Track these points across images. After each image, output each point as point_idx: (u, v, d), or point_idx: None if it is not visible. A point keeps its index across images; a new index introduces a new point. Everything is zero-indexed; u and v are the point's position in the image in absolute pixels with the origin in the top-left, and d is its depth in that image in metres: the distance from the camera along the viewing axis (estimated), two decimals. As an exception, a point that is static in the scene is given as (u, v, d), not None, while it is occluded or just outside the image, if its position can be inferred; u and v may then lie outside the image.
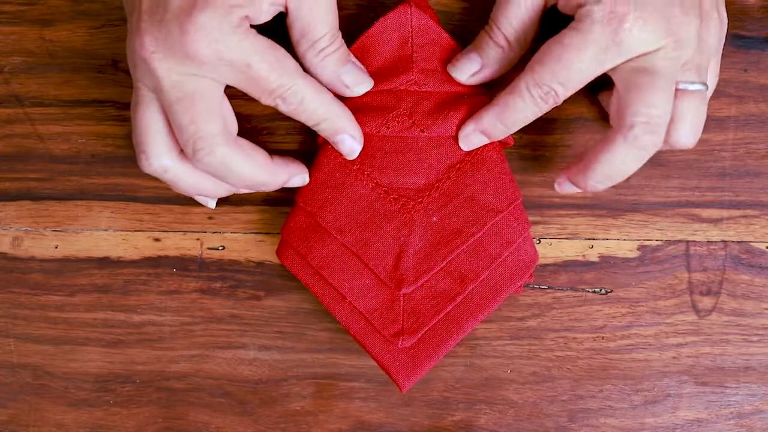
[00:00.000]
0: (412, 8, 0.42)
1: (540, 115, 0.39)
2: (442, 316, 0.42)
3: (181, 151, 0.40)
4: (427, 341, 0.43)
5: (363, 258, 0.42)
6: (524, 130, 0.43)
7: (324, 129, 0.41)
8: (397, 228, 0.42)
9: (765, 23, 0.45)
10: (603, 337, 0.46)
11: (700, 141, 0.45)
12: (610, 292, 0.46)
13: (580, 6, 0.37)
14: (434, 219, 0.42)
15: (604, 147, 0.38)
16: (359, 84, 0.42)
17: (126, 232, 0.46)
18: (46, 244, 0.47)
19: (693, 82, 0.38)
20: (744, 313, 0.46)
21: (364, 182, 0.42)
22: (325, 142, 0.43)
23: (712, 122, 0.45)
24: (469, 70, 0.42)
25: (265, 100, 0.39)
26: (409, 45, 0.43)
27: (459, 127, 0.42)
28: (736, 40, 0.45)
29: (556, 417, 0.46)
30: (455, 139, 0.42)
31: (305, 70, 0.40)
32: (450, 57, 0.43)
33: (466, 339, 0.46)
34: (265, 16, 0.38)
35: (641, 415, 0.46)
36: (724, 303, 0.46)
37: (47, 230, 0.47)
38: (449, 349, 0.43)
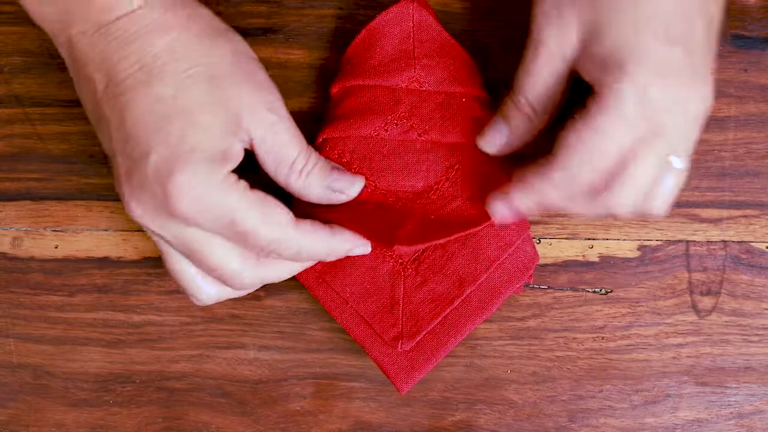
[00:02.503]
0: (414, 4, 0.42)
1: None
2: (440, 319, 0.43)
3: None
4: (426, 344, 0.43)
5: (363, 258, 0.42)
6: (524, 130, 0.43)
7: (332, 258, 0.40)
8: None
9: (765, 23, 0.45)
10: (603, 337, 0.46)
11: (701, 141, 0.45)
12: (610, 292, 0.46)
13: (602, 83, 0.36)
14: (432, 218, 0.42)
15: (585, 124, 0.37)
16: (351, 186, 0.41)
17: (126, 232, 0.46)
18: (46, 244, 0.47)
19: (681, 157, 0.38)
20: (744, 313, 0.46)
21: (364, 185, 0.42)
22: (323, 145, 0.43)
23: (712, 122, 0.45)
24: (498, 141, 0.41)
25: (260, 255, 0.38)
26: (411, 40, 0.43)
27: (455, 131, 0.42)
28: (736, 40, 0.45)
29: (556, 417, 0.46)
30: (452, 144, 0.42)
31: (293, 195, 0.40)
32: (449, 54, 0.43)
33: (466, 339, 0.46)
34: (239, 159, 0.37)
35: (641, 415, 0.46)
36: (724, 303, 0.46)
37: (47, 230, 0.47)
38: (448, 352, 0.43)
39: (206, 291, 0.40)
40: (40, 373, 0.47)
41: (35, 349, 0.47)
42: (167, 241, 0.38)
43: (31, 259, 0.47)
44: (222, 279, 0.39)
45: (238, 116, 0.36)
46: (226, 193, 0.36)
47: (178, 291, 0.46)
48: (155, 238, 0.39)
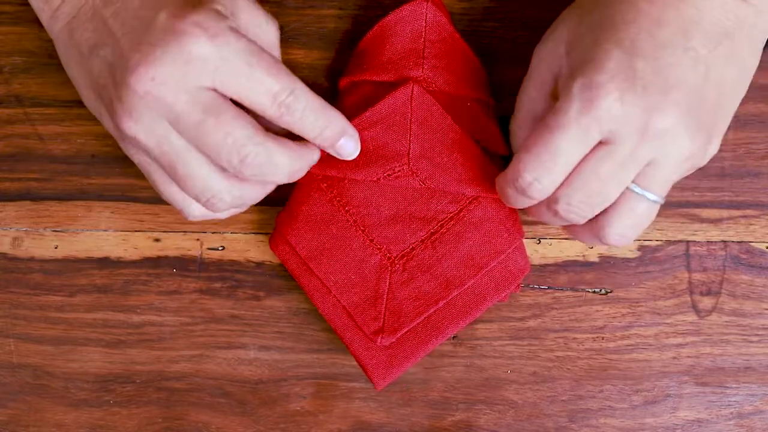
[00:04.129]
0: (428, 4, 0.42)
1: None
2: (423, 318, 0.42)
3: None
4: (406, 342, 0.43)
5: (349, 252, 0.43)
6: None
7: (326, 137, 0.38)
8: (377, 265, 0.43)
9: (765, 23, 0.45)
10: (603, 338, 0.46)
11: (700, 141, 0.45)
12: (610, 292, 0.46)
13: (563, 88, 0.36)
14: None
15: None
16: (343, 132, 0.39)
17: (126, 233, 0.46)
18: (46, 245, 0.47)
19: (651, 192, 0.37)
20: (744, 313, 0.46)
21: (357, 235, 0.43)
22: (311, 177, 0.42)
23: (712, 122, 0.45)
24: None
25: (270, 111, 0.37)
26: (422, 40, 0.42)
27: (456, 182, 0.42)
28: (736, 40, 0.45)
29: (556, 417, 0.46)
30: (452, 193, 0.42)
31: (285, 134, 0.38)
32: (459, 57, 0.43)
33: (466, 339, 0.46)
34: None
35: (641, 415, 0.46)
36: (724, 303, 0.46)
37: (47, 230, 0.47)
38: (428, 352, 0.43)
39: (195, 208, 0.40)
40: (40, 373, 0.47)
41: (35, 349, 0.47)
42: (153, 157, 0.37)
43: (31, 259, 0.47)
44: (202, 198, 0.38)
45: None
46: (237, 38, 0.35)
47: (178, 291, 0.46)
48: (141, 161, 0.38)
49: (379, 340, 0.42)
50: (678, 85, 0.35)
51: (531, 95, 0.40)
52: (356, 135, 0.40)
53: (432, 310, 0.42)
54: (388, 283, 0.43)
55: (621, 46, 0.35)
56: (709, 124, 0.37)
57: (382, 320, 0.42)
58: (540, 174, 0.36)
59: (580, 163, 0.36)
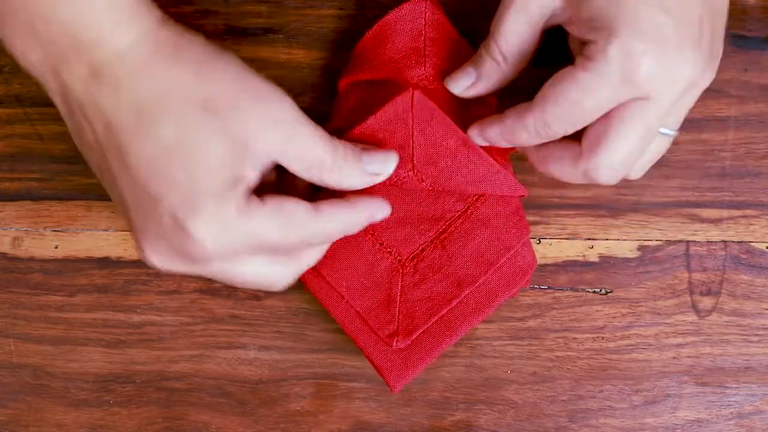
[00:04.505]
0: (427, 2, 0.42)
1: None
2: (436, 318, 0.42)
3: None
4: (421, 343, 0.43)
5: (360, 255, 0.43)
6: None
7: (359, 228, 0.40)
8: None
9: (765, 23, 0.45)
10: (603, 338, 0.46)
11: (701, 141, 0.45)
12: (610, 292, 0.46)
13: (591, 42, 0.36)
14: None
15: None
16: (386, 163, 0.40)
17: (126, 232, 0.46)
18: (46, 244, 0.47)
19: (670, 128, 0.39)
20: (744, 313, 0.46)
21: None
22: None
23: (712, 122, 0.45)
24: (464, 84, 0.41)
25: (292, 255, 0.39)
26: (422, 38, 0.42)
27: (463, 184, 0.42)
28: (736, 40, 0.45)
29: (556, 417, 0.46)
30: (454, 193, 0.42)
31: (332, 190, 0.39)
32: (459, 54, 0.43)
33: (466, 339, 0.46)
34: (254, 182, 0.36)
35: (641, 415, 0.46)
36: (724, 303, 0.46)
37: (47, 230, 0.47)
38: (442, 352, 0.43)
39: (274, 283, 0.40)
40: (40, 373, 0.47)
41: (35, 349, 0.47)
42: (197, 276, 0.38)
43: (31, 259, 0.47)
44: (263, 289, 0.39)
45: (245, 144, 0.35)
46: (243, 221, 0.35)
47: (178, 291, 0.46)
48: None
49: (394, 344, 0.42)
50: (697, 28, 0.36)
51: (518, 30, 0.39)
52: (383, 207, 0.41)
53: (445, 310, 0.42)
54: (400, 286, 0.43)
55: (650, 4, 0.35)
56: (717, 50, 0.38)
57: (396, 323, 0.42)
58: (564, 129, 0.37)
59: (616, 123, 0.36)
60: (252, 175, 0.36)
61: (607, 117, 0.37)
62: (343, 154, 0.38)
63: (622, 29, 0.35)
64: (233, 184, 0.35)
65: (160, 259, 0.36)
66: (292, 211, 0.37)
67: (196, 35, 0.37)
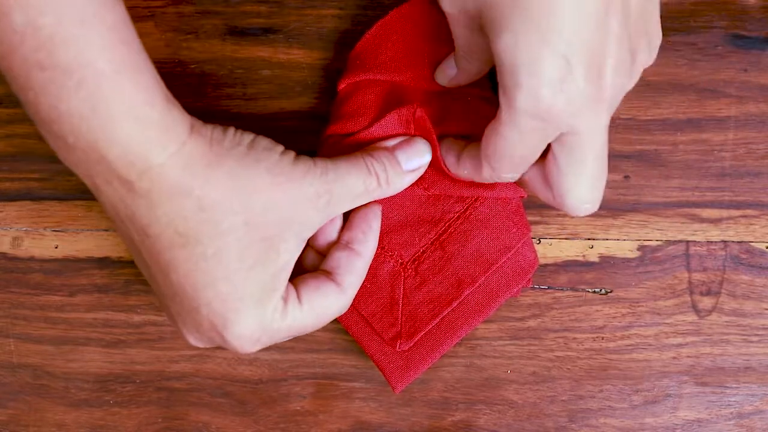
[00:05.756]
0: (425, 2, 0.42)
1: None
2: (438, 320, 0.43)
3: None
4: (423, 344, 0.43)
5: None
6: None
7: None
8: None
9: (765, 23, 0.45)
10: (603, 337, 0.46)
11: (701, 141, 0.45)
12: (610, 292, 0.46)
13: (505, 90, 0.34)
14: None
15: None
16: (423, 155, 0.41)
17: (126, 232, 0.46)
18: (46, 244, 0.47)
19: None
20: (744, 313, 0.46)
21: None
22: (326, 141, 0.43)
23: (711, 122, 0.45)
24: (448, 75, 0.42)
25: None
26: (422, 38, 0.42)
27: (461, 188, 0.42)
28: (736, 40, 0.45)
29: (556, 417, 0.46)
30: (455, 196, 0.43)
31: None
32: None
33: (466, 339, 0.46)
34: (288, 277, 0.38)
35: (641, 415, 0.46)
36: (724, 303, 0.46)
37: (47, 230, 0.47)
38: (444, 352, 0.43)
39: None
40: (40, 373, 0.47)
41: (35, 349, 0.47)
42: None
43: (31, 259, 0.47)
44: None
45: (279, 250, 0.37)
46: (280, 321, 0.37)
47: (178, 291, 0.46)
48: None
49: (398, 346, 0.43)
50: (610, 42, 0.34)
51: (463, 34, 0.38)
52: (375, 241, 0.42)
53: (446, 311, 0.43)
54: (402, 289, 0.43)
55: (547, 42, 0.32)
56: (650, 37, 0.36)
57: (399, 326, 0.43)
58: (513, 174, 0.38)
59: (564, 164, 0.36)
60: (286, 276, 0.37)
61: (555, 159, 0.36)
62: (382, 168, 0.40)
63: (524, 76, 0.33)
64: (272, 287, 0.37)
65: (199, 342, 0.39)
66: (324, 301, 0.39)
67: (225, 135, 0.36)
